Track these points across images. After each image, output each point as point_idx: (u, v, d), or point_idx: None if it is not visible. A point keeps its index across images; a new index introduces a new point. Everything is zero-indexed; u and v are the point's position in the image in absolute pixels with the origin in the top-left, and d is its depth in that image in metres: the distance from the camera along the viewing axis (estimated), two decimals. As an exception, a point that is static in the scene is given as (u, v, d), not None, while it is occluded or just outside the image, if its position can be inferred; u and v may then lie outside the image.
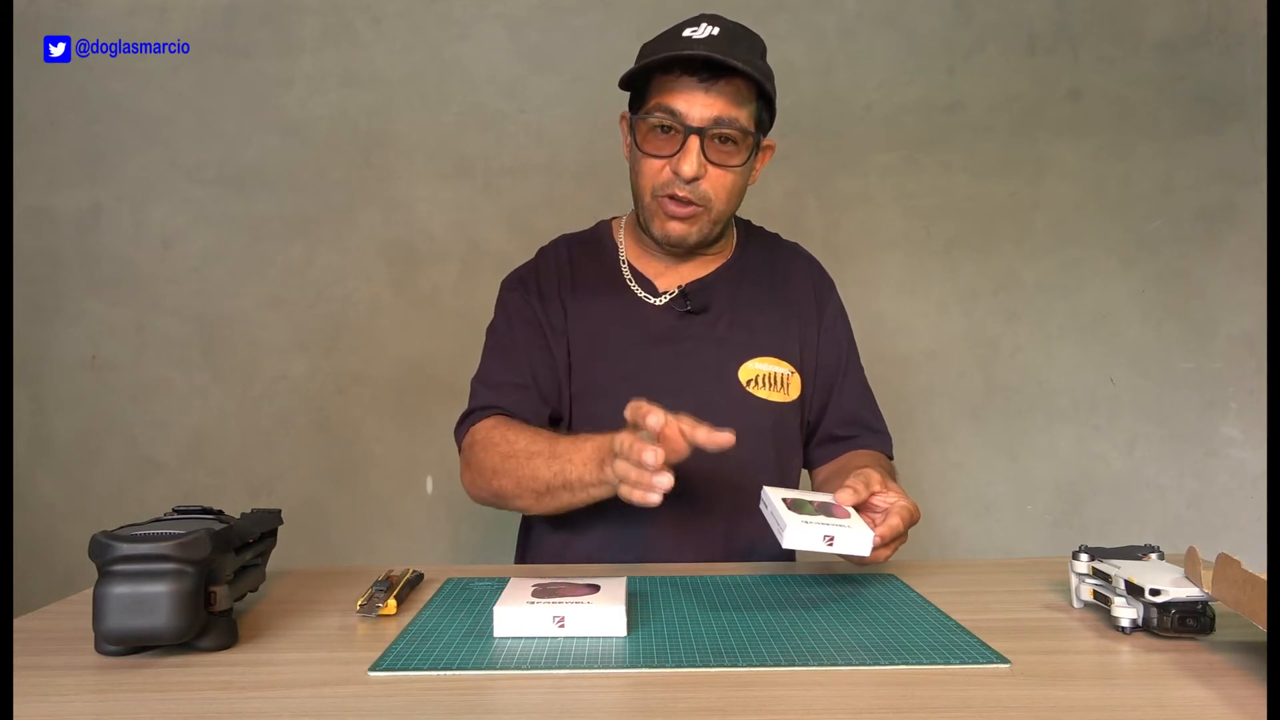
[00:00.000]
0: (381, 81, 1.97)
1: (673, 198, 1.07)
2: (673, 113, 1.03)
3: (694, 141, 1.03)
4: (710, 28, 1.03)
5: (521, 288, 1.18)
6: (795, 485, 1.20)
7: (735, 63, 0.99)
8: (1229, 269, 1.98)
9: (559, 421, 1.14)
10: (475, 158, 1.97)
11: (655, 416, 0.80)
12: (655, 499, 0.80)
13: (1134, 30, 1.97)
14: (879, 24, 1.98)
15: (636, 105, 1.10)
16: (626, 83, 1.09)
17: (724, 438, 0.82)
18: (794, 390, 1.16)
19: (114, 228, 1.97)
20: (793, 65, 1.93)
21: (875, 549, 0.81)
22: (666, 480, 0.78)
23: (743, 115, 1.04)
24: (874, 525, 0.84)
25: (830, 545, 0.78)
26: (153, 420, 1.98)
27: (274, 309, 1.98)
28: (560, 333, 1.14)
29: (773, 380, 1.14)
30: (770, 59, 1.09)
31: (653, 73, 1.05)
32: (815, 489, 1.21)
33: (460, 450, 1.13)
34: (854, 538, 0.79)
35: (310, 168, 1.97)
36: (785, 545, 0.78)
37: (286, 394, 1.98)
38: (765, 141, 1.12)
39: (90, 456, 1.98)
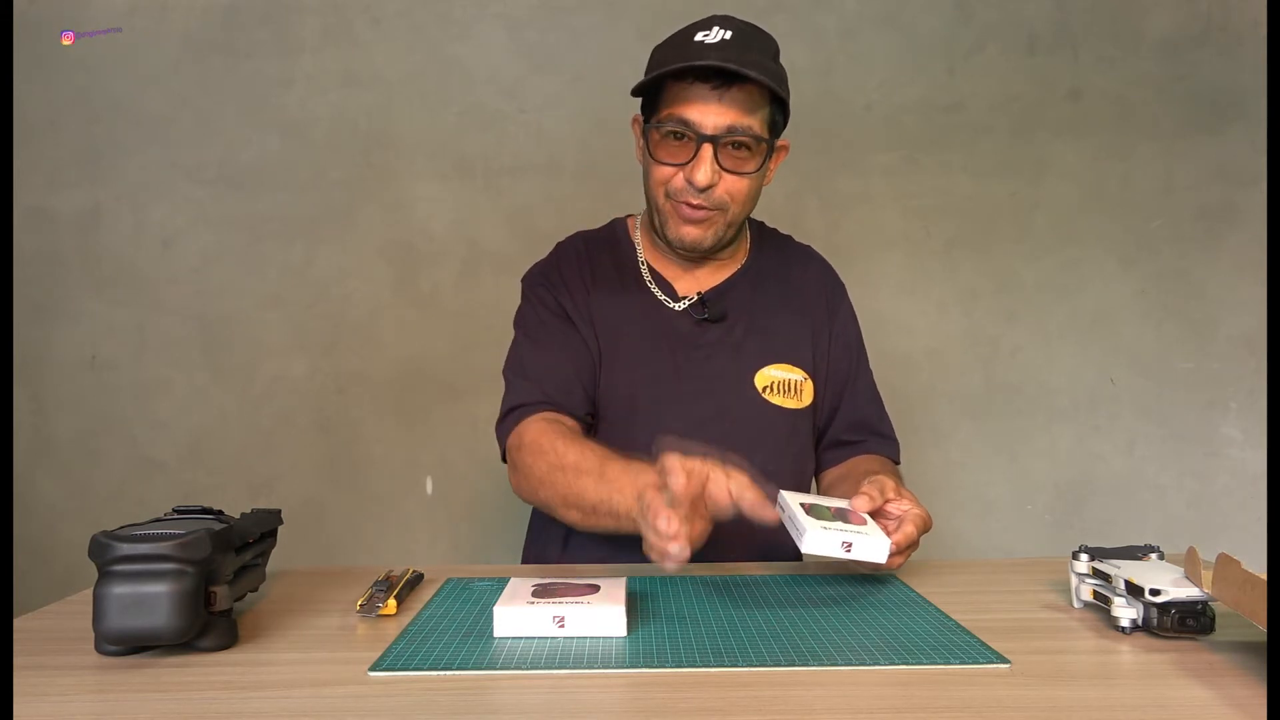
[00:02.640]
0: (381, 81, 1.97)
1: (687, 204, 1.06)
2: (685, 122, 1.01)
3: (707, 150, 1.01)
4: (722, 31, 1.01)
5: (546, 281, 1.17)
6: (808, 491, 1.20)
7: (748, 72, 0.97)
8: (1229, 269, 1.98)
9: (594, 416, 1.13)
10: (475, 158, 1.97)
11: (677, 478, 0.75)
12: (670, 567, 0.76)
13: (1134, 30, 1.97)
14: (879, 24, 1.98)
15: (649, 111, 1.08)
16: (639, 90, 1.08)
17: (769, 515, 0.78)
18: (807, 397, 1.16)
19: (114, 228, 1.97)
20: (793, 65, 1.90)
21: (890, 556, 0.81)
22: (679, 551, 0.73)
23: (756, 122, 1.03)
24: (889, 532, 0.84)
25: (848, 552, 0.78)
26: (153, 420, 1.98)
27: (274, 309, 1.98)
28: (588, 324, 1.13)
29: (787, 387, 1.14)
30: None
31: (665, 79, 1.03)
32: (821, 492, 1.21)
33: (504, 449, 1.09)
34: (871, 544, 0.79)
35: (310, 168, 1.97)
36: (804, 550, 0.78)
37: (286, 394, 1.98)
38: (780, 142, 1.11)
39: (90, 456, 1.98)
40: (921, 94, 1.98)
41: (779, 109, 1.07)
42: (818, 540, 0.78)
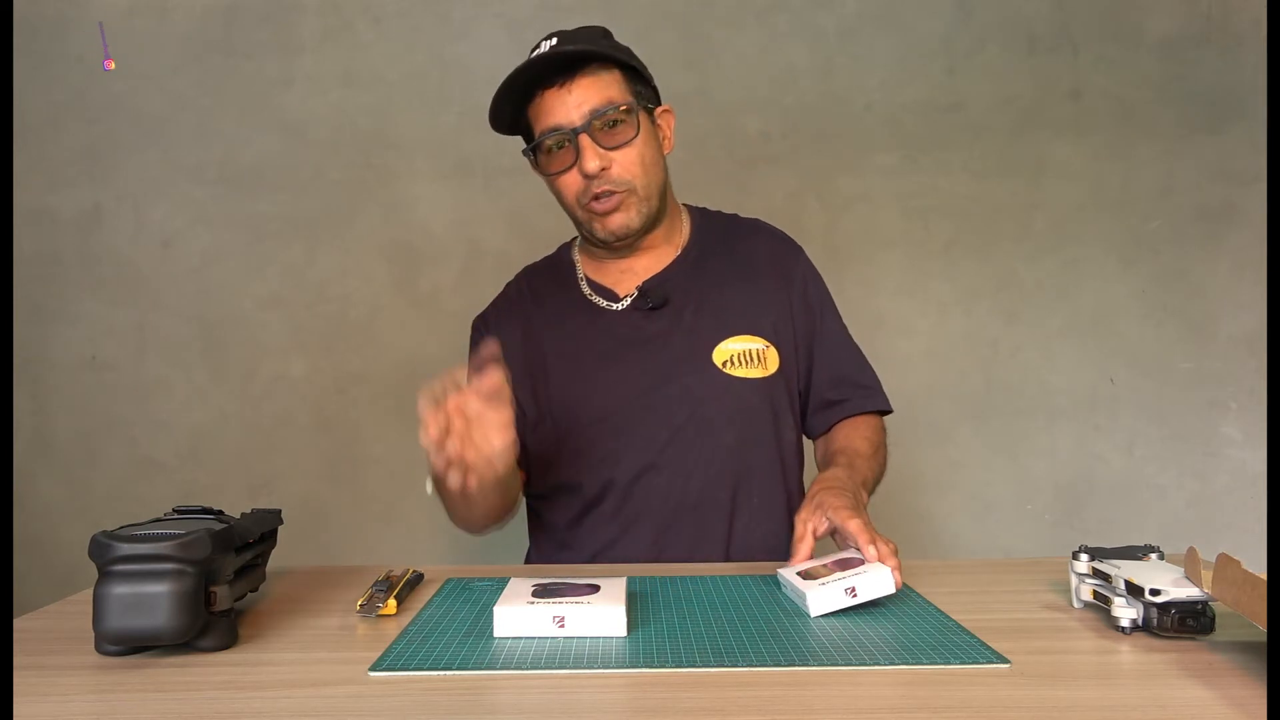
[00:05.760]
0: (381, 81, 1.97)
1: (596, 198, 1.08)
2: (555, 128, 1.06)
3: (584, 140, 1.05)
4: (549, 41, 1.09)
5: (484, 325, 1.22)
6: (797, 459, 1.19)
7: (573, 47, 1.05)
8: (1229, 269, 1.98)
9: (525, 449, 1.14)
10: (475, 158, 1.97)
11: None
12: (424, 438, 0.85)
13: (1134, 30, 1.97)
14: (879, 24, 1.98)
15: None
16: (509, 129, 1.15)
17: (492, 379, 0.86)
18: (772, 364, 1.14)
19: (114, 228, 1.97)
20: (793, 65, 1.93)
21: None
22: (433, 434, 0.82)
23: (614, 93, 1.07)
24: (872, 555, 0.84)
25: (855, 596, 0.79)
26: (153, 420, 1.98)
27: (274, 309, 1.98)
28: (522, 364, 1.15)
29: (749, 357, 1.14)
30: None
31: (523, 111, 1.11)
32: (819, 460, 1.20)
33: None
34: (874, 580, 0.80)
35: (310, 168, 1.97)
36: (814, 615, 0.79)
37: (286, 394, 1.98)
38: (660, 108, 1.14)
39: (90, 456, 1.98)
40: (921, 94, 1.98)
41: (636, 80, 1.11)
42: (821, 599, 0.79)
